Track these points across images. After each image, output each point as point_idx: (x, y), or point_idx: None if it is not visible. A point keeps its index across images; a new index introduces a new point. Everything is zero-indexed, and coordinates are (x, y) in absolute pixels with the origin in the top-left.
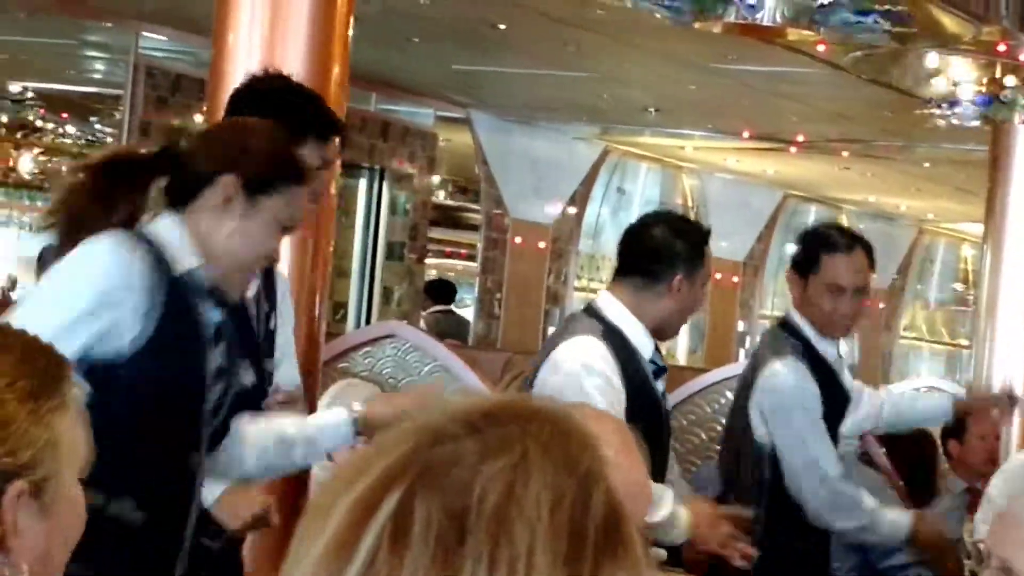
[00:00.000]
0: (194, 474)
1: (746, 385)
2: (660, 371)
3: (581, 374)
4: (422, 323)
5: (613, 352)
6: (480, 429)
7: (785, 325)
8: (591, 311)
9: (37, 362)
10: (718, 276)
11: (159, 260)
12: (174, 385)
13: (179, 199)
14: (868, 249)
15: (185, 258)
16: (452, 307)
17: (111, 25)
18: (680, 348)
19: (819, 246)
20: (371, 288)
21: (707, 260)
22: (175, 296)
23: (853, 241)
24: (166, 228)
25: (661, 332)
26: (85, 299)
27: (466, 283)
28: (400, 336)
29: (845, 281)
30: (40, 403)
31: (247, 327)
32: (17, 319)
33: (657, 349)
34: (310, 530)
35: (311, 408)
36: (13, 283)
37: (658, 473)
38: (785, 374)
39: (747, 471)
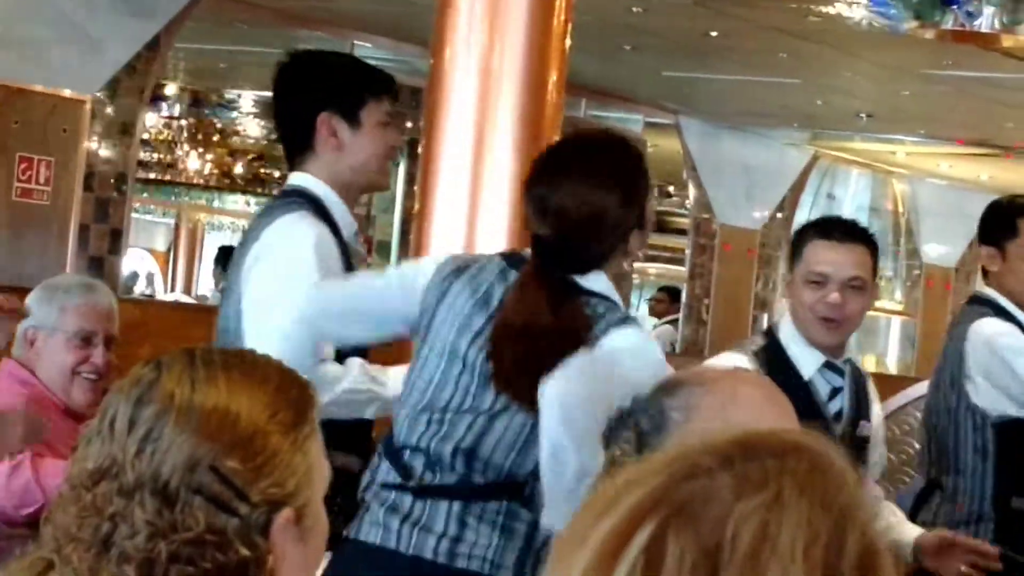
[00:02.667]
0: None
1: (950, 364)
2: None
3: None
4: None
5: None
6: (735, 463)
7: (977, 300)
8: None
9: (291, 391)
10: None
11: None
12: None
13: None
14: None
15: None
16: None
17: (326, 34)
18: (891, 357)
19: (1017, 212)
20: None
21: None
22: None
23: None
24: None
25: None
26: None
27: (665, 285)
28: None
29: None
30: (298, 432)
31: None
32: None
33: (828, 366)
34: (561, 562)
35: None
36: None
37: None
38: (992, 322)
39: (966, 450)
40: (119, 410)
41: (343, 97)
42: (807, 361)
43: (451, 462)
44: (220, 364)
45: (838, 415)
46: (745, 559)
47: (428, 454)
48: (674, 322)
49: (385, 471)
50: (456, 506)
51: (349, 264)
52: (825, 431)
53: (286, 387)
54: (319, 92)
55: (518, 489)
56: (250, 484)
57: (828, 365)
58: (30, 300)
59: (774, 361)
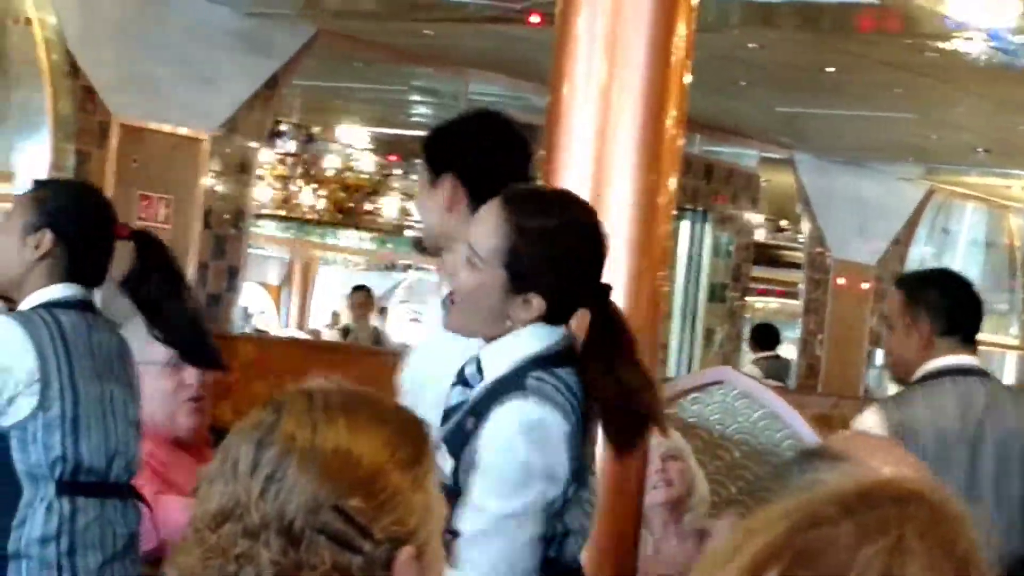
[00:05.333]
0: None
1: None
2: None
3: None
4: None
5: None
6: (856, 511)
7: None
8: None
9: (409, 430)
10: None
11: None
12: None
13: None
14: None
15: None
16: (778, 352)
17: (437, 72)
18: None
19: None
20: (693, 329)
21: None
22: None
23: None
24: None
25: None
26: None
27: (780, 321)
28: (729, 382)
29: None
30: (416, 469)
31: None
32: None
33: None
34: None
35: (644, 457)
36: (336, 319)
37: None
38: None
39: None
40: (241, 451)
41: None
42: None
43: None
44: (339, 406)
45: None
46: None
47: None
48: (773, 358)
49: None
50: None
51: None
52: None
53: (404, 426)
54: None
55: None
56: (373, 522)
57: None
58: None
59: None
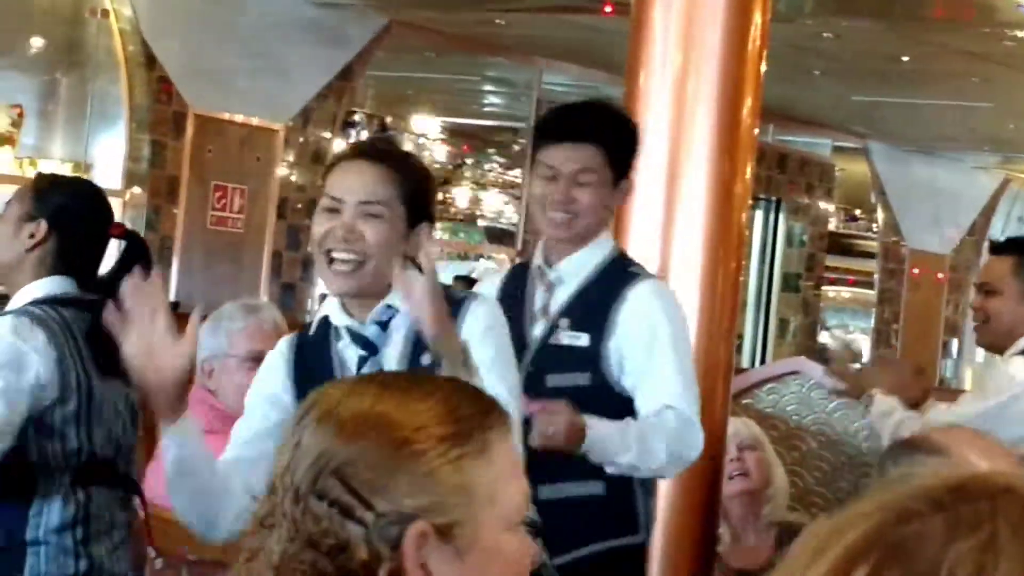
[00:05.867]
0: None
1: None
2: None
3: None
4: None
5: None
6: (947, 506)
7: None
8: None
9: (458, 410)
10: None
11: None
12: None
13: None
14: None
15: None
16: None
17: (510, 62)
18: None
19: None
20: (767, 319)
21: None
22: None
23: None
24: None
25: None
26: None
27: (851, 310)
28: (805, 373)
29: None
30: (453, 448)
31: None
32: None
33: None
34: None
35: (721, 445)
36: None
37: None
38: None
39: None
40: (291, 428)
41: None
42: None
43: None
44: (381, 380)
45: None
46: None
47: None
48: None
49: None
50: None
51: None
52: None
53: (454, 405)
54: None
55: None
56: (378, 493)
57: None
58: (202, 333)
59: None
